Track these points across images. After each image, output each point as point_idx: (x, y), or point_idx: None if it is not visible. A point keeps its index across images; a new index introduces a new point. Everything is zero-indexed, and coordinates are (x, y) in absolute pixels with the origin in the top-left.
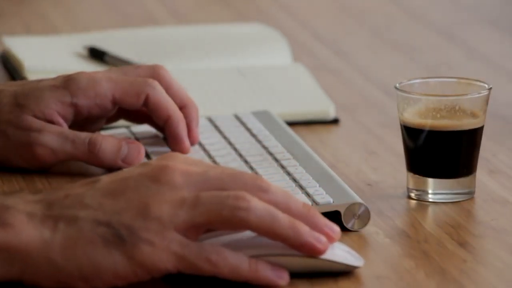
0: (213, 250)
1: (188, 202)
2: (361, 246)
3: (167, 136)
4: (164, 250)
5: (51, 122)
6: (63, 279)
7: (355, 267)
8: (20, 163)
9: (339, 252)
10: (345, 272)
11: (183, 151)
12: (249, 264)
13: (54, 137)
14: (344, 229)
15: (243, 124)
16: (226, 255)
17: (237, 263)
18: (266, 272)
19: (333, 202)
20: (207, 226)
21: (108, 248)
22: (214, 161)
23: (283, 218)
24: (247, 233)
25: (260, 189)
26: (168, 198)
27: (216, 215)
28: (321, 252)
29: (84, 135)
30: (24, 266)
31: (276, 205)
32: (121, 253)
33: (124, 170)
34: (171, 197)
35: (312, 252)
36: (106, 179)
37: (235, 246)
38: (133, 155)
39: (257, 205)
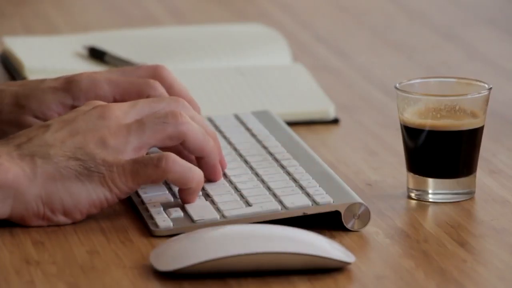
0: (162, 157)
1: (134, 128)
2: (361, 246)
3: None
4: (122, 172)
5: None
6: (47, 214)
7: (347, 263)
8: None
9: (332, 250)
10: (339, 268)
11: None
12: (197, 173)
13: None
14: (344, 229)
15: (243, 124)
16: (176, 159)
17: (186, 167)
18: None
19: (333, 202)
20: (156, 144)
21: (81, 180)
22: None
23: (209, 139)
24: (249, 231)
25: (183, 107)
26: (117, 128)
27: (162, 133)
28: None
29: None
30: (13, 202)
31: (194, 119)
32: (91, 182)
33: (68, 114)
34: (119, 127)
35: (214, 176)
36: (56, 124)
37: (239, 242)
38: None
39: (190, 121)
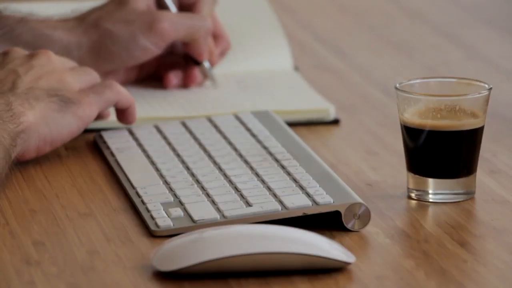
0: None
1: (77, 69)
2: (361, 246)
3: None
4: (91, 104)
5: None
6: (41, 146)
7: (348, 263)
8: (140, 51)
9: (332, 250)
10: (340, 269)
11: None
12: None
13: (173, 14)
14: (344, 229)
15: (243, 124)
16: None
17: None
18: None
19: (333, 202)
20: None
21: (64, 112)
22: (214, 161)
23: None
24: (249, 231)
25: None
26: (67, 68)
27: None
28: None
29: None
30: (24, 142)
31: None
32: (70, 114)
33: (11, 63)
34: (67, 68)
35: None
36: (19, 68)
37: (239, 242)
38: None
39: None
